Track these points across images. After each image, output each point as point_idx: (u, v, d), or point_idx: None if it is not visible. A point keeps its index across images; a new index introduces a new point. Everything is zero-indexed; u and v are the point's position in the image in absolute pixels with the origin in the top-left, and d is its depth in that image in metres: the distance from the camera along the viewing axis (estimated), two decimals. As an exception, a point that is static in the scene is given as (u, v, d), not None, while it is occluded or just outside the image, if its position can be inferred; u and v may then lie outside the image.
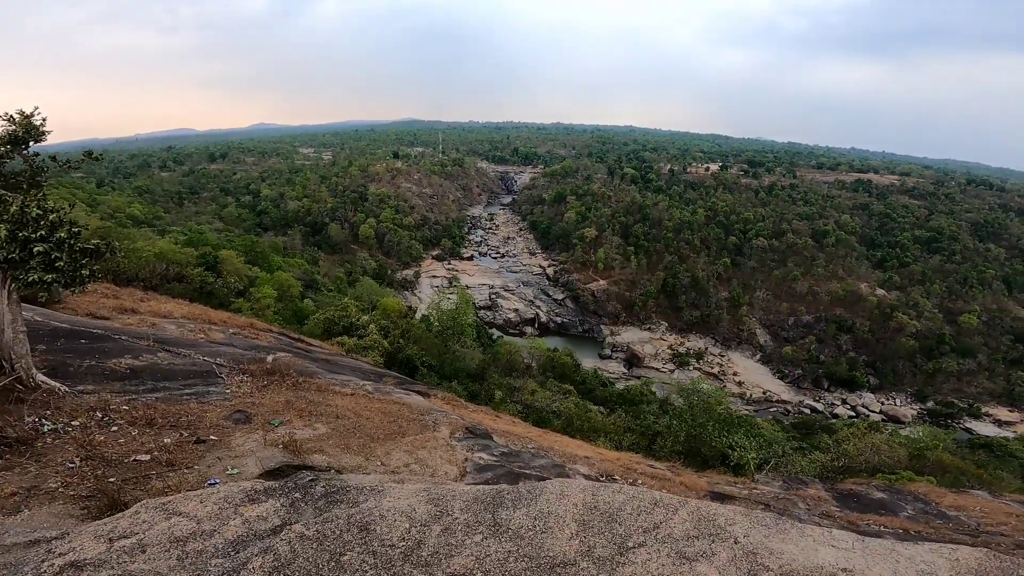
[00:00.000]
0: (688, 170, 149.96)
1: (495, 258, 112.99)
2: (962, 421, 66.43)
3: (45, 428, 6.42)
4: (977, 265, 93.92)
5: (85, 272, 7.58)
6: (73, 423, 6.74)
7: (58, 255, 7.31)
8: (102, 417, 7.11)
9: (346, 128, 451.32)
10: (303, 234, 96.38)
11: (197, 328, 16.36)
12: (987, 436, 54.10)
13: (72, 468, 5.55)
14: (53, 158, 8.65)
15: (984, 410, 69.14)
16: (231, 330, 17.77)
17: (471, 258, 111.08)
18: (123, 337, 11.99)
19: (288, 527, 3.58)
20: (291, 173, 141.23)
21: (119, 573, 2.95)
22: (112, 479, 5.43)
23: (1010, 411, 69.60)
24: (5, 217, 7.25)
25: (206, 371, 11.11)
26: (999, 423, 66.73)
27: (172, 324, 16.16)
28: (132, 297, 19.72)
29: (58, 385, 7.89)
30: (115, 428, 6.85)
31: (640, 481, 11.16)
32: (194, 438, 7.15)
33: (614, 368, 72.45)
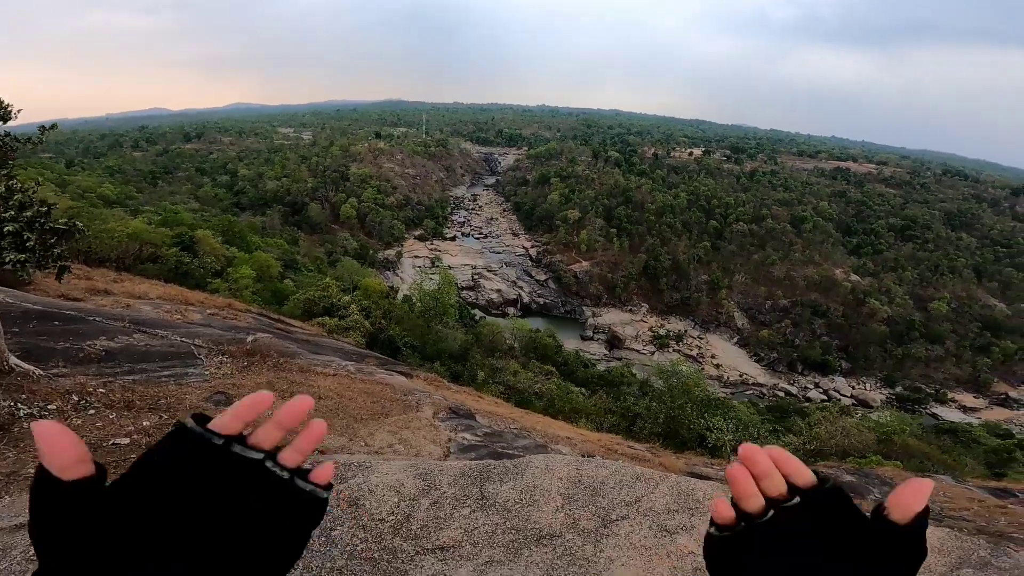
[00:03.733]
0: (672, 154, 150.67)
1: (478, 239, 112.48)
2: (929, 406, 68.29)
3: (21, 413, 6.28)
4: (949, 253, 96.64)
5: (56, 252, 7.38)
6: (49, 407, 6.61)
7: (29, 235, 7.10)
8: (78, 400, 6.99)
9: (327, 108, 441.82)
10: (282, 214, 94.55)
11: (174, 309, 16.06)
12: (952, 421, 55.44)
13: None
14: (14, 137, 8.34)
15: (950, 396, 71.21)
16: (209, 311, 17.48)
17: (454, 238, 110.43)
18: (97, 319, 11.73)
19: (277, 503, 3.60)
20: (270, 153, 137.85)
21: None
22: (92, 462, 5.36)
23: (975, 397, 71.83)
24: (-29, 195, 6.99)
25: (184, 352, 10.94)
26: (964, 409, 68.76)
27: (147, 305, 15.84)
28: (105, 278, 19.24)
29: (32, 368, 7.71)
30: (92, 411, 6.74)
31: (621, 461, 11.41)
32: (174, 420, 7.08)
33: (595, 349, 73.21)
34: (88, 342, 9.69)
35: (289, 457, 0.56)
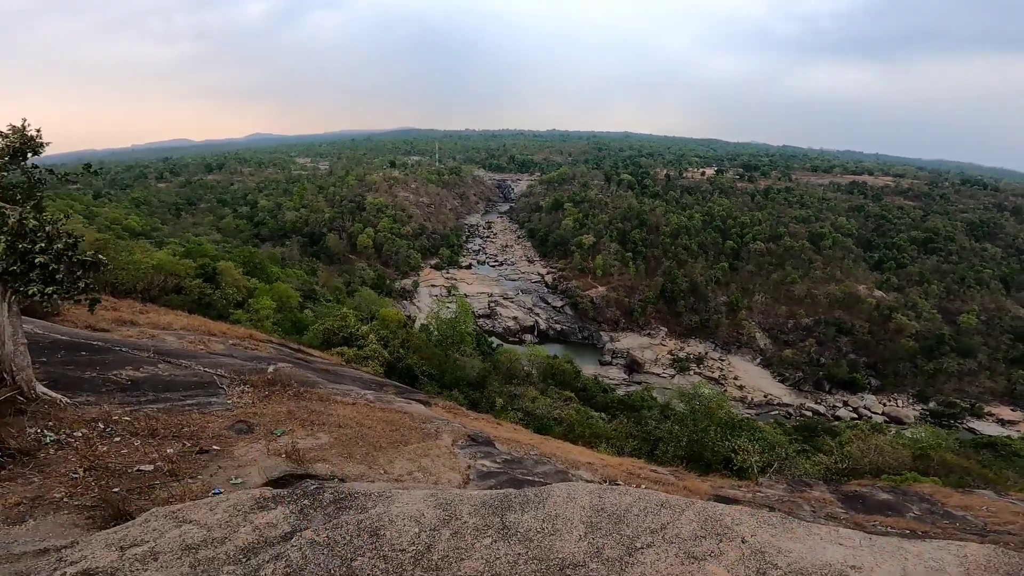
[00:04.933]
0: (684, 175, 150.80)
1: (493, 266, 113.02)
2: (965, 421, 66.11)
3: (47, 439, 6.39)
4: (974, 265, 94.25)
5: (82, 284, 7.57)
6: (75, 434, 6.72)
7: (56, 267, 7.31)
8: (104, 428, 7.09)
9: (342, 137, 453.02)
10: (301, 244, 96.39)
11: (197, 339, 16.33)
12: (990, 435, 53.53)
13: (76, 478, 5.54)
14: (51, 171, 8.68)
15: (987, 409, 68.92)
16: (231, 341, 17.73)
17: (469, 267, 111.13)
18: (123, 349, 11.96)
19: (299, 533, 3.57)
20: (288, 183, 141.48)
21: (133, 579, 2.95)
22: (116, 489, 5.42)
23: (1012, 410, 69.39)
24: (4, 229, 7.25)
25: (207, 382, 11.08)
26: (1002, 422, 66.52)
27: (171, 336, 16.13)
28: (131, 309, 19.69)
29: (59, 397, 7.87)
30: (117, 439, 6.83)
31: (644, 486, 11.13)
32: (197, 448, 7.13)
33: (614, 374, 72.32)
34: (114, 372, 9.87)
35: None
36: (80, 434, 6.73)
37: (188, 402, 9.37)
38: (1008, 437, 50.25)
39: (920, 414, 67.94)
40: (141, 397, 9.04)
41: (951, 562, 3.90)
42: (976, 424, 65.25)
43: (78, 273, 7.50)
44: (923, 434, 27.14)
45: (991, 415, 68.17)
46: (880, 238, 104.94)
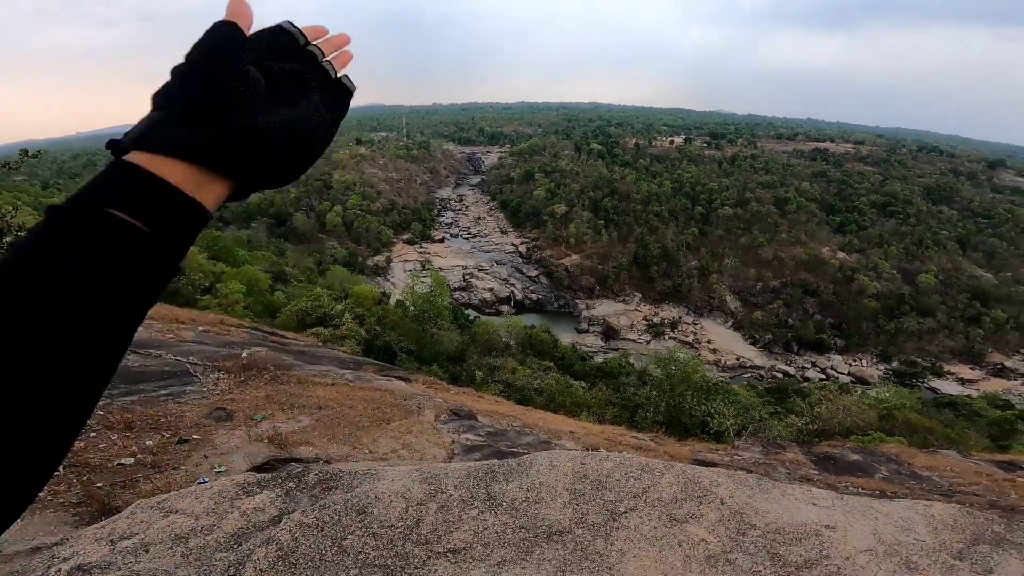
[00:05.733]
0: (653, 144, 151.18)
1: (467, 239, 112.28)
2: (926, 380, 68.71)
3: (18, 439, 6.23)
4: (931, 227, 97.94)
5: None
6: (48, 431, 6.55)
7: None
8: (77, 424, 6.93)
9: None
10: (267, 226, 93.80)
11: (164, 328, 15.90)
12: (951, 395, 55.58)
13: (57, 476, 5.44)
14: None
15: (946, 368, 71.83)
16: (200, 328, 17.32)
17: (442, 240, 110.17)
18: (89, 341, 11.59)
19: (287, 516, 3.60)
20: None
21: (127, 574, 2.95)
22: (99, 484, 5.35)
23: (971, 369, 72.41)
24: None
25: (180, 371, 10.86)
26: (962, 381, 69.33)
27: (139, 325, 15.66)
28: (93, 300, 18.98)
29: (26, 394, 7.62)
30: (93, 434, 6.69)
31: (625, 453, 11.47)
32: (176, 439, 7.04)
33: (592, 342, 73.45)
34: (81, 367, 9.58)
35: (335, 60, 0.78)
36: (52, 430, 6.57)
37: (162, 392, 9.20)
38: (968, 396, 52.16)
39: (884, 374, 70.65)
40: (112, 390, 8.82)
41: (919, 522, 4.15)
42: (937, 383, 68.04)
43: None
44: (887, 394, 27.83)
45: (951, 374, 71.18)
46: (842, 202, 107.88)
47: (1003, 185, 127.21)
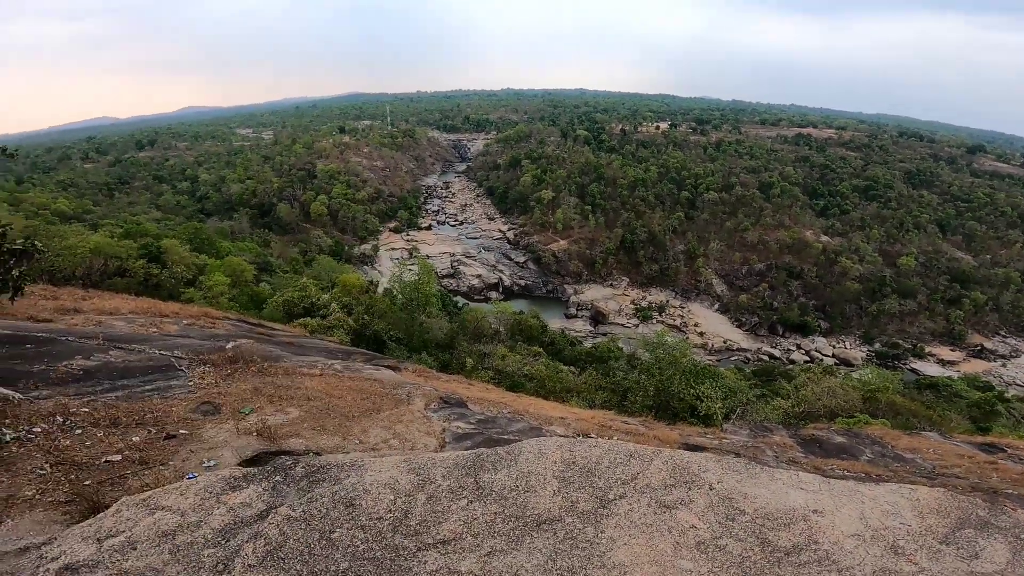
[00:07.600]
0: (639, 129, 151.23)
1: (454, 226, 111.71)
2: (908, 361, 69.85)
3: (6, 438, 6.13)
4: (912, 211, 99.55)
5: (15, 273, 7.11)
6: (35, 430, 6.45)
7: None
8: (63, 421, 6.82)
9: (286, 106, 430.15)
10: (250, 217, 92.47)
11: (148, 322, 15.65)
12: (932, 376, 56.04)
13: (44, 475, 5.36)
14: None
15: (928, 350, 73.18)
16: (185, 321, 17.08)
17: (429, 228, 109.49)
18: (70, 338, 11.38)
19: (274, 511, 3.57)
20: (230, 155, 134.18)
21: (115, 572, 2.91)
22: (88, 482, 5.29)
23: (952, 350, 73.82)
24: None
25: (165, 365, 10.70)
26: (943, 363, 70.74)
27: (120, 320, 15.40)
28: (72, 296, 18.61)
29: (11, 393, 7.48)
30: (79, 431, 6.59)
31: (616, 438, 11.56)
32: (163, 434, 6.96)
33: (580, 327, 73.76)
34: (64, 362, 9.41)
35: None
36: (40, 429, 6.46)
37: (147, 387, 9.07)
38: (949, 377, 52.87)
39: (867, 355, 71.77)
40: (96, 387, 8.68)
41: (905, 506, 4.21)
42: (918, 364, 69.33)
43: (10, 263, 7.03)
44: (870, 376, 28.15)
45: (932, 355, 72.61)
46: (824, 186, 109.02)
47: (982, 170, 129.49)
